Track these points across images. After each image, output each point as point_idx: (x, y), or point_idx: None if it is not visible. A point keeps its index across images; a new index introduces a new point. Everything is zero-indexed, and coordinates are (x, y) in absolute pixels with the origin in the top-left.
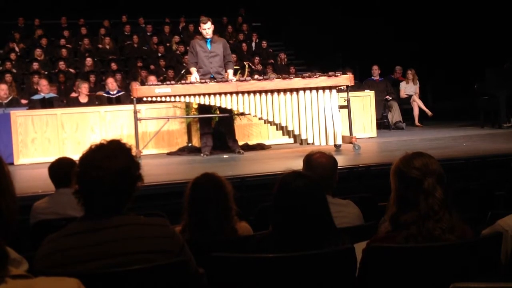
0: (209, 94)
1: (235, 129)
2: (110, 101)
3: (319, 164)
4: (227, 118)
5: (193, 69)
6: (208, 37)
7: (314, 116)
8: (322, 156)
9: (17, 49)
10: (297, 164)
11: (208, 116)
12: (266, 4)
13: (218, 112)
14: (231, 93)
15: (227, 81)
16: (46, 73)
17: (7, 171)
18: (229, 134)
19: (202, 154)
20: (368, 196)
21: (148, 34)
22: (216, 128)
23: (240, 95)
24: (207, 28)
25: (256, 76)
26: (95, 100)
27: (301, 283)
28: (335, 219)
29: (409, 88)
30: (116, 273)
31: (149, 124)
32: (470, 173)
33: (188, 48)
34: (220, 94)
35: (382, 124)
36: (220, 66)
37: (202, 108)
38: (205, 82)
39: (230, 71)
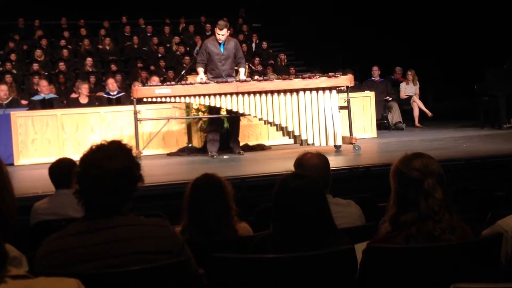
0: (209, 95)
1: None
2: (110, 102)
3: (312, 165)
4: (236, 118)
5: (200, 69)
6: (221, 42)
7: (314, 117)
8: (313, 157)
9: (17, 50)
10: None
11: (217, 117)
12: (266, 5)
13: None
14: (231, 94)
15: (241, 81)
16: (46, 73)
17: (6, 171)
18: (234, 135)
19: (209, 152)
20: (368, 196)
21: (148, 35)
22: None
23: (240, 95)
24: (222, 35)
25: (256, 77)
26: (95, 100)
27: (301, 283)
28: (335, 219)
29: (409, 89)
30: (116, 273)
31: (149, 124)
32: (470, 173)
33: (198, 49)
34: (220, 94)
35: (382, 124)
36: (232, 68)
37: (212, 108)
38: (206, 83)
39: (242, 70)
